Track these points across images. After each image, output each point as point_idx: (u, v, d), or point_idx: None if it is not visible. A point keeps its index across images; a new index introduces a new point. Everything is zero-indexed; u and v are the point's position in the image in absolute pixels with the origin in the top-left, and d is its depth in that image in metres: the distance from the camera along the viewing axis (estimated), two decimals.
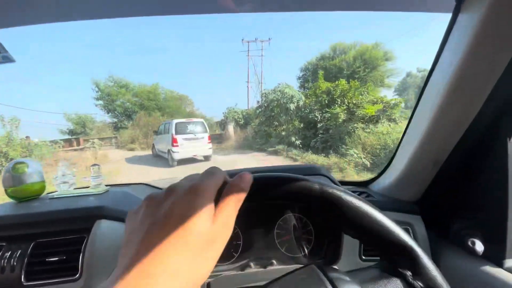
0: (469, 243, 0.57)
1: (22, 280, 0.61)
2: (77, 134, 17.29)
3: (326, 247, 0.77)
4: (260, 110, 11.57)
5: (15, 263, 0.62)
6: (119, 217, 0.69)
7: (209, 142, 8.89)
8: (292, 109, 9.82)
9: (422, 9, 0.53)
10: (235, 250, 0.79)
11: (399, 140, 0.75)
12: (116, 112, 18.48)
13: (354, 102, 8.66)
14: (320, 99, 9.19)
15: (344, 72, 14.24)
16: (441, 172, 0.65)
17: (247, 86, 22.45)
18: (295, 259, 0.77)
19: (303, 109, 9.80)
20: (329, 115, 8.66)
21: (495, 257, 0.56)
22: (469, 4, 0.48)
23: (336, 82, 8.98)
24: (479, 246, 0.56)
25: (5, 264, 0.62)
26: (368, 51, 14.39)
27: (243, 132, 14.94)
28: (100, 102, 18.72)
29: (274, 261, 0.73)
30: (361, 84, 9.38)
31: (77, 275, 0.62)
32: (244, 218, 0.81)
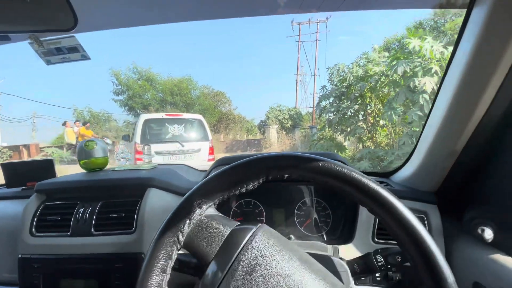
0: (479, 231, 0.59)
1: (92, 230, 0.79)
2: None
3: (342, 228, 0.83)
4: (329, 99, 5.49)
5: (86, 217, 0.80)
6: (164, 187, 0.84)
7: (212, 159, 5.23)
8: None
9: (439, 6, 0.56)
10: None
11: (420, 134, 0.78)
12: (135, 110, 14.80)
13: None
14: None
15: None
16: (458, 163, 0.67)
17: (296, 80, 17.65)
18: (312, 238, 0.85)
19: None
20: None
21: (505, 245, 0.58)
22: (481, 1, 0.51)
23: None
24: (489, 234, 0.58)
25: (79, 217, 0.81)
26: None
27: (289, 137, 11.99)
28: (120, 98, 15.13)
29: (292, 237, 0.82)
30: None
31: (133, 229, 0.78)
32: (268, 198, 0.91)
